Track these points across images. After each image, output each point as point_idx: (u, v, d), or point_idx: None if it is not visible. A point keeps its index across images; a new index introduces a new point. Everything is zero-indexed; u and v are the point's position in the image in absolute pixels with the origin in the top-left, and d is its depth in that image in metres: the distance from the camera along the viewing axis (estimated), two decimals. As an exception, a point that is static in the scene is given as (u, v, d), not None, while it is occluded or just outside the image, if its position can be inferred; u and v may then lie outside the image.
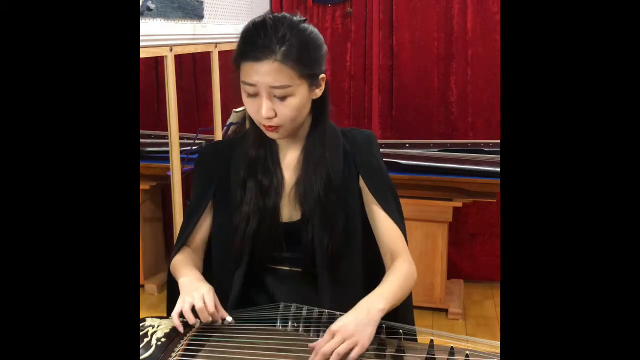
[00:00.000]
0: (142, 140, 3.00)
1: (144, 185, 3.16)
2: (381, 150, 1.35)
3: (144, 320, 1.19)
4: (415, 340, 1.17)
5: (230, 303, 1.23)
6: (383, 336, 1.09)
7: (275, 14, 1.16)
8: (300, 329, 1.16)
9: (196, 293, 1.12)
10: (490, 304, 3.16)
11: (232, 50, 3.05)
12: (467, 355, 1.04)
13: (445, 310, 3.01)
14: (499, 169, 2.36)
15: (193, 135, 2.87)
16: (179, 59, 3.09)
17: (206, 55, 2.72)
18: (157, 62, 3.37)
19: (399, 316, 1.20)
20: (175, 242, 1.35)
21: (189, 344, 1.10)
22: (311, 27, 1.17)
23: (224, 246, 1.28)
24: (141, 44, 1.92)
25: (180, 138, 2.42)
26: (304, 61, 1.12)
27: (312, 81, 1.16)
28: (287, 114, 1.14)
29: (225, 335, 1.13)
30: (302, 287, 1.25)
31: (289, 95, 1.12)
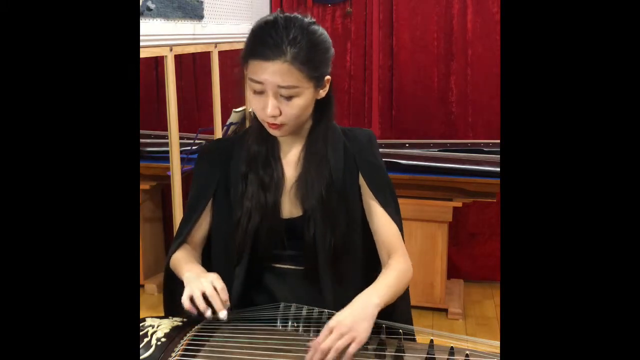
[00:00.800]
0: (142, 140, 3.00)
1: (144, 185, 3.16)
2: (381, 150, 1.36)
3: (144, 320, 1.19)
4: (415, 340, 1.18)
5: (232, 300, 1.23)
6: (383, 336, 1.09)
7: (287, 14, 1.17)
8: (300, 329, 1.16)
9: (205, 280, 1.12)
10: (490, 304, 3.16)
11: (232, 50, 3.07)
12: (467, 355, 1.04)
13: (445, 310, 3.02)
14: (499, 169, 2.36)
15: (193, 135, 2.87)
16: (179, 59, 3.09)
17: (206, 55, 2.72)
18: (157, 62, 3.38)
19: (398, 316, 1.21)
20: (173, 239, 1.34)
21: (189, 344, 1.10)
22: (321, 29, 1.19)
23: (224, 243, 1.28)
24: (141, 44, 1.92)
25: (180, 138, 2.42)
26: (312, 63, 1.13)
27: (319, 83, 1.17)
28: (292, 113, 1.15)
29: (225, 335, 1.13)
30: (303, 285, 1.25)
31: (295, 95, 1.14)
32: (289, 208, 1.25)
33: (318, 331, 1.09)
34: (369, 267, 1.28)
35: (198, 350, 1.08)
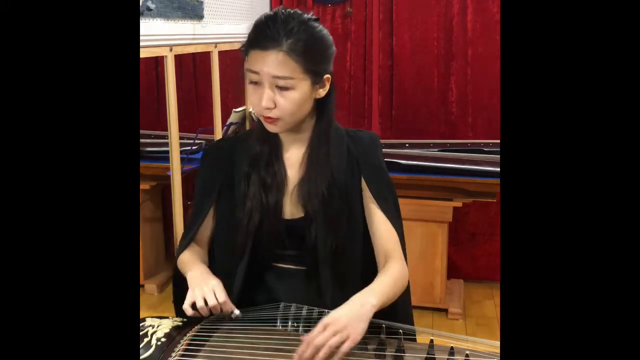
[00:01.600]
0: (142, 140, 3.00)
1: (144, 185, 3.16)
2: (382, 152, 1.36)
3: (144, 320, 1.19)
4: (415, 340, 1.17)
5: (232, 299, 1.23)
6: (383, 336, 1.09)
7: (289, 9, 1.19)
8: (300, 329, 1.16)
9: (206, 287, 1.13)
10: (490, 304, 3.16)
11: (232, 50, 3.06)
12: (467, 355, 1.04)
13: (445, 310, 3.01)
14: (499, 169, 2.36)
15: (193, 135, 2.87)
16: (179, 59, 3.10)
17: (206, 55, 2.72)
18: (157, 62, 3.38)
19: (399, 316, 1.21)
20: (180, 238, 1.35)
21: (189, 344, 1.10)
22: (321, 27, 1.19)
23: (226, 242, 1.28)
24: (141, 44, 1.92)
25: (180, 138, 2.42)
26: (309, 56, 1.13)
27: (316, 78, 1.17)
28: (287, 107, 1.15)
29: (225, 335, 1.13)
30: (304, 285, 1.26)
31: (291, 87, 1.14)
32: (291, 209, 1.25)
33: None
34: (370, 268, 1.28)
35: (198, 350, 1.08)
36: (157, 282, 3.34)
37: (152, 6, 2.10)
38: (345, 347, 1.02)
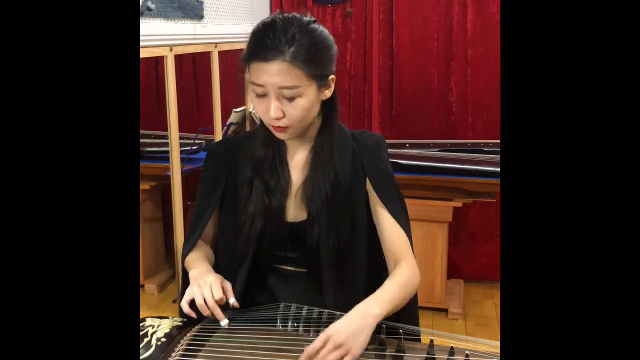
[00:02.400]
0: (142, 140, 3.00)
1: (144, 185, 3.16)
2: (388, 154, 1.35)
3: (144, 320, 1.19)
4: (419, 340, 1.17)
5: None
6: (383, 336, 1.09)
7: (285, 14, 1.16)
8: (300, 329, 1.16)
9: (203, 283, 1.13)
10: (490, 304, 3.16)
11: (232, 50, 3.07)
12: (467, 355, 1.04)
13: (445, 310, 3.01)
14: (499, 169, 2.36)
15: (193, 135, 2.87)
16: (179, 59, 3.09)
17: (206, 55, 2.72)
18: (157, 62, 3.37)
19: (405, 317, 1.20)
20: (185, 238, 1.34)
21: (189, 344, 1.10)
22: (321, 28, 1.17)
23: (229, 245, 1.28)
24: (141, 44, 1.92)
25: (180, 138, 2.42)
26: (313, 62, 1.11)
27: (322, 82, 1.15)
28: (296, 114, 1.13)
29: (225, 335, 1.13)
30: (306, 287, 1.25)
31: (298, 96, 1.12)
32: (294, 211, 1.25)
33: (318, 331, 1.09)
34: (373, 270, 1.27)
35: (198, 350, 1.08)
36: (157, 282, 3.34)
37: (152, 6, 2.10)
38: None
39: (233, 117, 2.99)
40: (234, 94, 3.28)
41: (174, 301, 3.15)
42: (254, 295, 1.27)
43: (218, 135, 2.83)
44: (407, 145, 3.09)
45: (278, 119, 1.13)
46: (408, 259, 1.21)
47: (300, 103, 1.13)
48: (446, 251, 2.97)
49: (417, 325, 1.30)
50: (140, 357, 1.07)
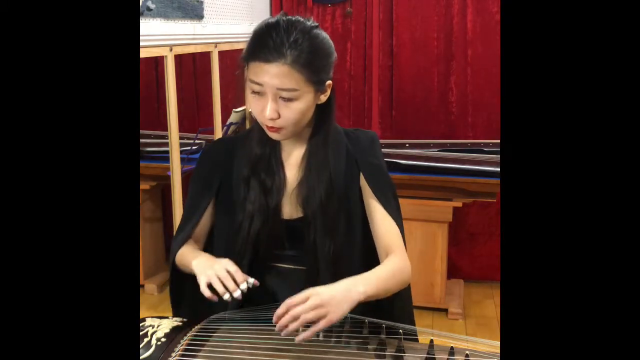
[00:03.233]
0: (142, 140, 3.00)
1: (144, 185, 3.16)
2: (381, 150, 1.36)
3: (144, 320, 1.19)
4: (417, 340, 1.17)
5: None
6: (383, 336, 1.09)
7: (289, 17, 1.16)
8: (301, 328, 1.16)
9: (218, 265, 1.12)
10: (490, 304, 3.16)
11: (232, 50, 3.06)
12: (467, 355, 1.04)
13: (445, 310, 3.01)
14: (499, 169, 2.36)
15: (193, 135, 2.87)
16: (179, 59, 3.09)
17: (206, 55, 2.72)
18: (157, 62, 3.37)
19: (399, 316, 1.20)
20: (174, 235, 1.33)
21: (189, 344, 1.10)
22: (323, 34, 1.18)
23: (226, 243, 1.28)
24: (141, 44, 1.92)
25: (180, 138, 2.42)
26: (313, 67, 1.12)
27: (319, 87, 1.17)
28: (291, 117, 1.14)
29: (225, 335, 1.13)
30: (304, 285, 1.25)
31: (295, 99, 1.13)
32: (290, 210, 1.26)
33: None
34: (370, 267, 1.28)
35: (198, 350, 1.08)
36: (157, 282, 3.34)
37: (152, 6, 2.10)
38: (320, 325, 1.02)
39: (233, 117, 2.98)
40: (234, 94, 3.28)
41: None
42: (253, 295, 1.27)
43: (218, 135, 2.83)
44: (407, 145, 3.09)
45: (273, 119, 1.14)
46: (399, 251, 1.22)
47: (297, 106, 1.14)
48: (446, 251, 2.97)
49: (414, 324, 1.31)
50: (140, 357, 1.07)
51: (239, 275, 1.11)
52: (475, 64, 3.20)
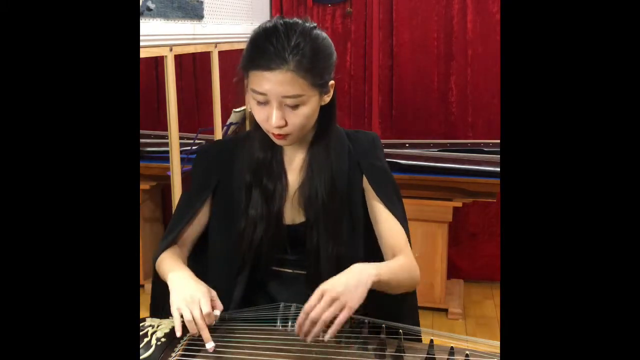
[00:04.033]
0: (142, 140, 2.99)
1: (144, 185, 3.15)
2: (383, 151, 1.35)
3: (144, 320, 1.19)
4: (420, 340, 1.17)
5: (233, 306, 1.23)
6: (383, 336, 1.09)
7: (287, 19, 1.13)
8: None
9: (193, 304, 1.06)
10: (490, 304, 3.16)
11: (232, 50, 3.06)
12: (467, 355, 1.04)
13: (445, 310, 3.01)
14: (499, 169, 2.36)
15: (193, 135, 2.87)
16: (179, 59, 3.09)
17: (206, 55, 2.72)
18: (157, 62, 3.37)
19: (406, 317, 1.20)
20: (163, 235, 1.31)
21: (189, 344, 1.10)
22: (323, 34, 1.15)
23: (226, 248, 1.27)
24: (141, 44, 1.92)
25: (180, 138, 2.42)
26: (316, 70, 1.10)
27: (323, 89, 1.15)
28: (298, 122, 1.12)
29: (225, 335, 1.13)
30: (306, 290, 1.25)
31: (301, 104, 1.11)
32: (292, 214, 1.25)
33: (324, 331, 1.09)
34: None
35: (198, 350, 1.08)
36: (157, 282, 3.33)
37: (152, 6, 2.10)
38: (342, 318, 1.01)
39: (233, 117, 2.98)
40: (234, 94, 3.27)
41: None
42: (254, 299, 1.26)
43: (218, 135, 2.83)
44: (407, 145, 3.09)
45: (280, 127, 1.12)
46: (406, 253, 1.21)
47: (303, 111, 1.12)
48: (446, 251, 2.97)
49: (418, 325, 1.31)
50: (140, 357, 1.07)
51: (206, 310, 1.06)
52: (475, 64, 3.20)
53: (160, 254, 1.24)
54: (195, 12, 2.44)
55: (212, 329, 1.15)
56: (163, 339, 1.11)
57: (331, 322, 1.03)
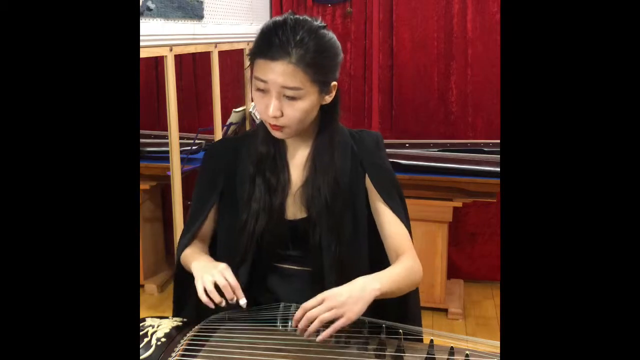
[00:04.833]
0: (142, 140, 3.00)
1: (144, 185, 3.16)
2: (386, 151, 1.36)
3: (144, 320, 1.19)
4: (421, 340, 1.17)
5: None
6: (383, 336, 1.09)
7: (297, 16, 1.16)
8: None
9: (215, 271, 1.12)
10: (490, 304, 3.16)
11: (232, 50, 3.05)
12: (467, 355, 1.04)
13: (445, 310, 3.01)
14: (499, 169, 2.36)
15: (193, 135, 2.87)
16: (179, 59, 3.10)
17: (206, 55, 2.72)
18: (157, 62, 3.38)
19: (410, 318, 1.21)
20: (180, 235, 1.33)
21: (189, 344, 1.10)
22: (330, 34, 1.18)
23: (229, 243, 1.28)
24: (141, 44, 1.92)
25: (180, 138, 2.42)
26: (317, 67, 1.12)
27: (324, 87, 1.16)
28: (294, 116, 1.14)
29: (225, 335, 1.13)
30: (308, 287, 1.25)
31: (299, 97, 1.13)
32: (294, 210, 1.25)
33: (318, 331, 1.09)
34: (375, 269, 1.27)
35: (198, 350, 1.08)
36: (157, 282, 3.34)
37: (152, 6, 2.10)
38: (338, 325, 1.02)
39: (233, 117, 2.99)
40: (234, 94, 3.28)
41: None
42: (255, 294, 1.27)
43: (218, 135, 2.83)
44: (407, 145, 3.09)
45: (276, 117, 1.14)
46: (410, 253, 1.22)
47: (300, 105, 1.14)
48: (446, 251, 2.97)
49: (420, 325, 1.31)
50: (140, 357, 1.07)
51: (236, 285, 1.11)
52: (475, 64, 3.20)
53: (183, 250, 1.28)
54: (195, 12, 2.44)
55: (212, 329, 1.15)
56: (163, 339, 1.11)
57: (329, 323, 1.04)
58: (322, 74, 1.14)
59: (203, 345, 1.10)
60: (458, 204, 2.85)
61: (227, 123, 2.96)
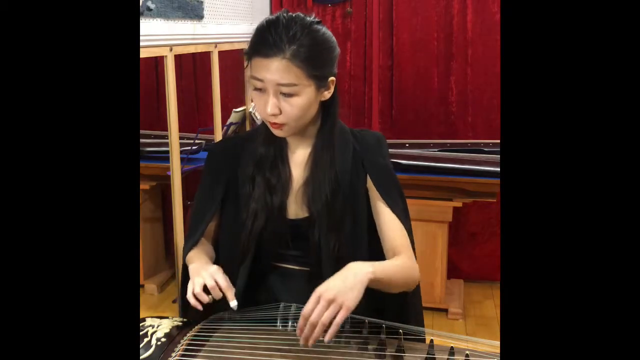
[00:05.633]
0: (142, 140, 3.00)
1: (144, 185, 3.16)
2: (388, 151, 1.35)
3: (144, 320, 1.19)
4: (423, 341, 1.17)
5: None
6: (383, 336, 1.09)
7: (290, 13, 1.17)
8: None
9: (205, 272, 1.13)
10: (490, 304, 3.16)
11: (232, 50, 3.05)
12: (467, 355, 1.04)
13: (445, 310, 3.02)
14: (499, 169, 2.36)
15: (193, 135, 2.87)
16: (179, 59, 3.09)
17: (206, 55, 2.72)
18: (157, 62, 3.38)
19: (411, 318, 1.21)
20: (187, 236, 1.34)
21: (189, 344, 1.10)
22: (324, 29, 1.18)
23: (231, 242, 1.28)
24: (141, 44, 1.92)
25: (180, 138, 2.42)
26: (312, 62, 1.13)
27: (321, 83, 1.16)
28: (292, 112, 1.15)
29: (225, 335, 1.13)
30: (307, 286, 1.25)
31: (295, 94, 1.13)
32: (295, 209, 1.25)
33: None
34: None
35: (198, 350, 1.08)
36: (157, 282, 3.34)
37: (152, 6, 2.10)
38: (339, 318, 1.02)
39: (233, 117, 2.99)
40: (234, 94, 3.28)
41: (174, 301, 3.15)
42: (255, 294, 1.27)
43: (218, 135, 2.83)
44: (407, 145, 3.09)
45: (274, 115, 1.14)
46: (407, 253, 1.22)
47: (298, 101, 1.14)
48: (446, 251, 2.97)
49: (423, 326, 1.31)
50: (140, 357, 1.07)
51: (227, 287, 1.12)
52: (475, 64, 3.20)
53: (188, 252, 1.28)
54: (195, 12, 2.44)
55: (212, 329, 1.15)
56: (163, 339, 1.11)
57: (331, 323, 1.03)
58: (318, 68, 1.14)
59: (203, 345, 1.10)
60: (458, 204, 2.85)
61: (227, 123, 2.96)
